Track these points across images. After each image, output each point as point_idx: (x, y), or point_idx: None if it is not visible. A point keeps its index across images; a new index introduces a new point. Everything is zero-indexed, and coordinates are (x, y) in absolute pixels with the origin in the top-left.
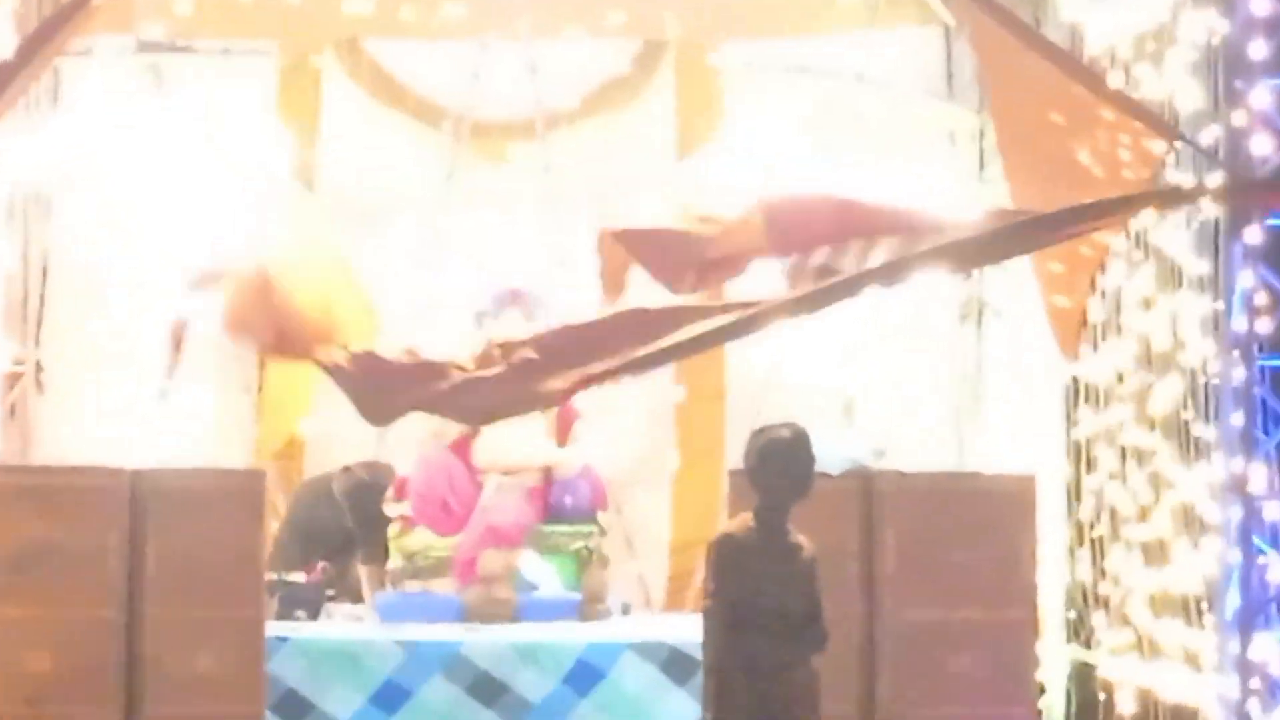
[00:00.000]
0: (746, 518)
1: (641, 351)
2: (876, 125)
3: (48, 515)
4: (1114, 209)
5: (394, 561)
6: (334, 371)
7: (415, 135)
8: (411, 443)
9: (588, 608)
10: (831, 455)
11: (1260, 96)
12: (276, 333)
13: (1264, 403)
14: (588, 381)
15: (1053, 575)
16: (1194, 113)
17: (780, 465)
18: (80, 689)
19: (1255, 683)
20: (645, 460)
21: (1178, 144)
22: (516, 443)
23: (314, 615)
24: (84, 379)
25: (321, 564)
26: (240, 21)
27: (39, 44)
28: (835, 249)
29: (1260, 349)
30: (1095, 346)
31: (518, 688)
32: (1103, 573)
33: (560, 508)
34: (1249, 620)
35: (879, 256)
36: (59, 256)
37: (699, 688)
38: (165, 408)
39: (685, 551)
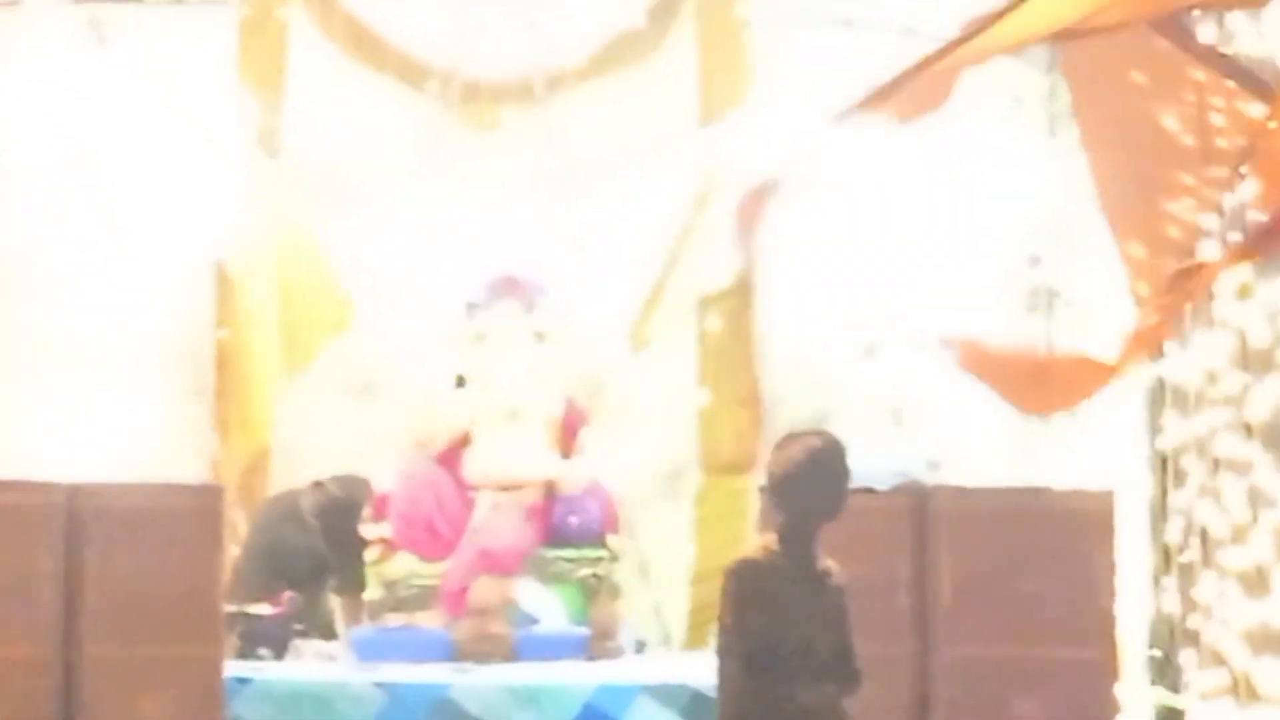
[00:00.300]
0: (769, 541)
1: None
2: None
3: None
4: None
5: (372, 591)
6: None
7: (396, 97)
8: (392, 454)
9: (596, 645)
10: (878, 468)
11: None
12: None
13: None
14: None
15: (1134, 607)
16: None
17: (809, 480)
18: None
19: None
20: (663, 475)
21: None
22: (513, 454)
23: (280, 654)
24: (13, 380)
25: (288, 594)
26: None
27: None
28: None
29: None
30: (1183, 342)
31: None
32: (1193, 604)
33: (564, 529)
34: None
35: None
36: None
37: None
38: (107, 413)
39: (709, 580)
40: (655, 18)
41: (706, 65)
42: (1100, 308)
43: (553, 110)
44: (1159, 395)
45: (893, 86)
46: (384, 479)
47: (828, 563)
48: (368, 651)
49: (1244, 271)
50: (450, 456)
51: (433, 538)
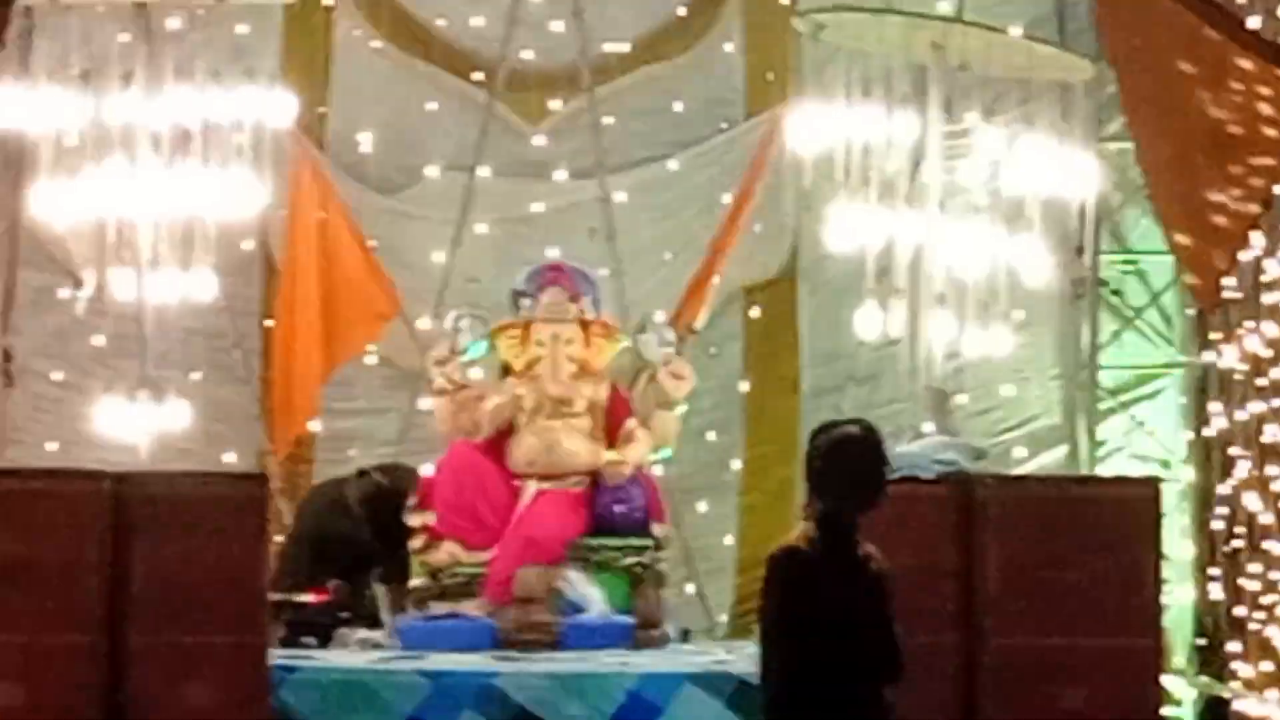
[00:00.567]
0: (808, 529)
1: None
2: (977, 76)
3: (18, 527)
4: None
5: (417, 580)
6: None
7: (441, 87)
8: (437, 442)
9: (641, 633)
10: (923, 457)
11: None
12: None
13: None
14: None
15: (1180, 596)
16: None
17: (848, 469)
18: None
19: None
20: (707, 463)
21: None
22: (558, 442)
23: (325, 642)
24: (61, 369)
25: (333, 582)
26: None
27: None
28: None
29: None
30: (1230, 331)
31: None
32: (1238, 593)
33: (609, 518)
34: None
35: None
36: (29, 223)
37: None
38: (154, 403)
39: (753, 568)
40: (701, 6)
41: (753, 53)
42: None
43: (599, 99)
44: (1204, 385)
45: None
46: (429, 467)
47: (870, 551)
48: (412, 640)
49: None
50: (495, 445)
51: (478, 526)
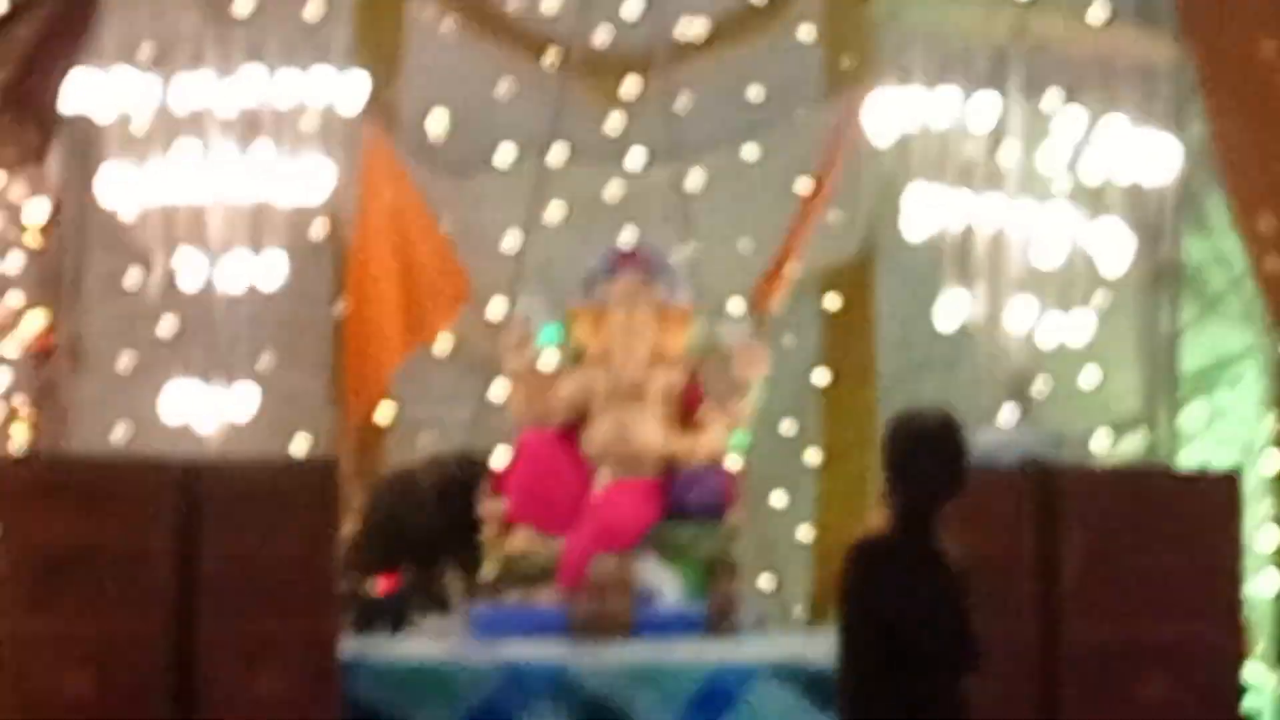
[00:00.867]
0: (887, 521)
1: None
2: (1057, 59)
3: (87, 513)
4: None
5: (489, 568)
6: None
7: (514, 70)
8: (510, 429)
9: (715, 622)
10: (1002, 446)
11: None
12: None
13: None
14: None
15: (1261, 587)
16: None
17: (926, 460)
18: (125, 713)
19: None
20: (783, 452)
21: None
22: (633, 428)
23: (396, 630)
24: (132, 356)
25: (405, 571)
26: None
27: None
28: None
29: None
30: None
31: (634, 715)
32: None
33: (684, 505)
34: None
35: None
36: (98, 208)
37: None
38: (225, 389)
39: (830, 558)
40: None
41: (829, 37)
42: (1230, 283)
43: (674, 82)
44: None
45: None
46: (502, 454)
47: (948, 543)
48: (485, 628)
49: None
50: (569, 431)
51: (551, 513)
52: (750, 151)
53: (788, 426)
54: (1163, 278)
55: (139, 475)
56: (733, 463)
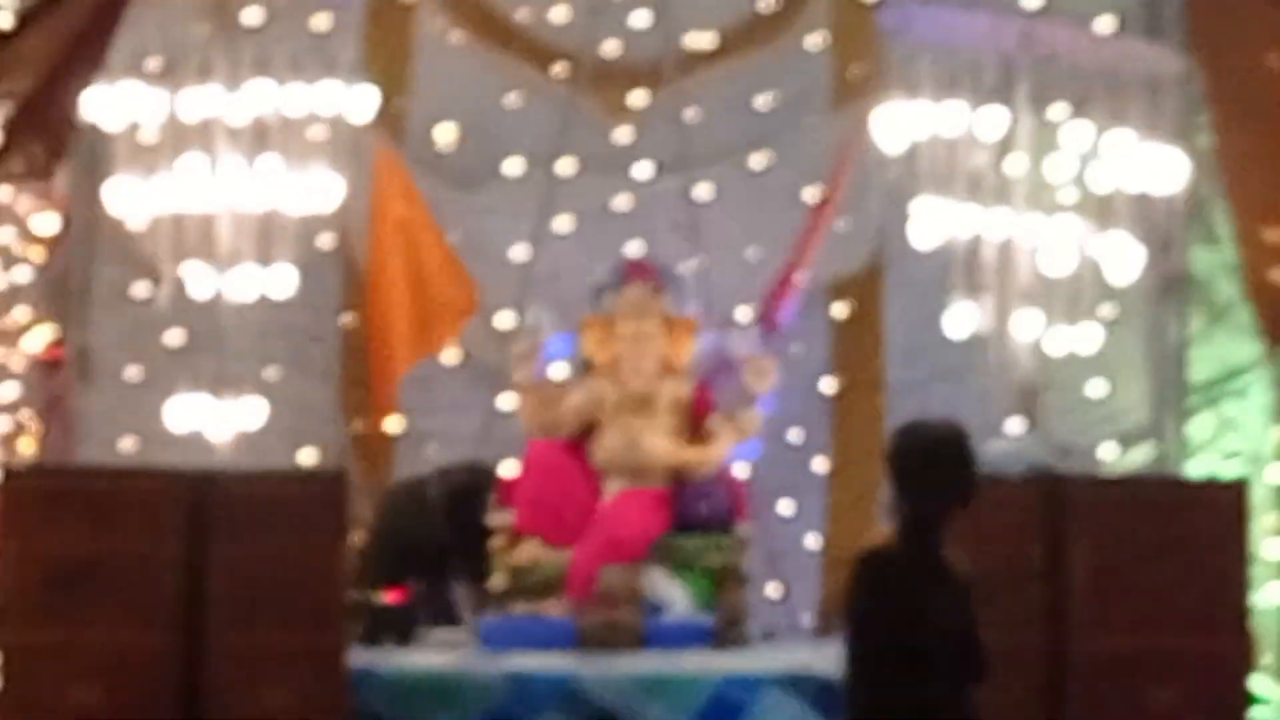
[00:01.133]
0: (893, 532)
1: None
2: (1065, 71)
3: (94, 525)
4: None
5: (497, 579)
6: None
7: (522, 80)
8: (518, 440)
9: (724, 633)
10: (1010, 455)
11: None
12: None
13: None
14: None
15: (1269, 597)
16: None
17: (931, 470)
18: None
19: None
20: (791, 462)
21: None
22: (641, 439)
23: (405, 642)
24: (139, 367)
25: (413, 582)
26: None
27: None
28: None
29: None
30: None
31: None
32: None
33: (693, 516)
34: None
35: None
36: (107, 219)
37: None
38: (232, 400)
39: (839, 569)
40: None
41: (838, 47)
42: (1233, 294)
43: (682, 93)
44: None
45: None
46: (510, 465)
47: (956, 555)
48: (493, 639)
49: None
50: (577, 442)
51: (559, 524)
52: (759, 161)
53: (796, 435)
54: (1170, 289)
55: (147, 486)
56: (741, 472)
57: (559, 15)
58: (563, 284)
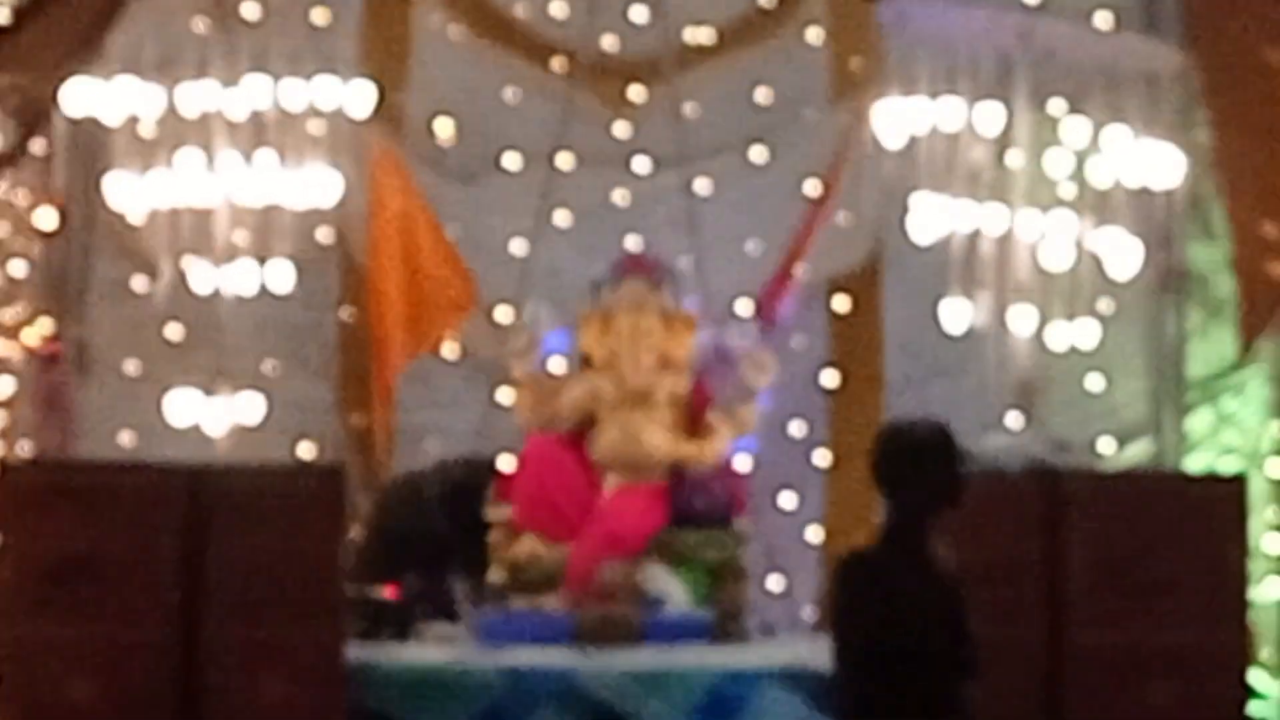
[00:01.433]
0: (879, 532)
1: None
2: (1063, 67)
3: (92, 519)
4: None
5: (495, 574)
6: None
7: (521, 75)
8: (516, 434)
9: (723, 628)
10: (1008, 450)
11: None
12: None
13: None
14: None
15: (1267, 591)
16: None
17: (914, 471)
18: None
19: None
20: (791, 456)
21: None
22: (640, 434)
23: (402, 636)
24: (137, 362)
25: (411, 576)
26: None
27: None
28: None
29: None
30: None
31: None
32: None
33: (691, 511)
34: None
35: None
36: (104, 214)
37: None
38: (230, 395)
39: None
40: None
41: (837, 42)
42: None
43: (681, 87)
44: None
45: None
46: (508, 460)
47: (944, 552)
48: (491, 634)
49: None
50: (576, 437)
51: (557, 519)
52: (758, 155)
53: (796, 428)
54: (1169, 284)
55: (145, 481)
56: (740, 467)
57: (558, 10)
58: (561, 279)
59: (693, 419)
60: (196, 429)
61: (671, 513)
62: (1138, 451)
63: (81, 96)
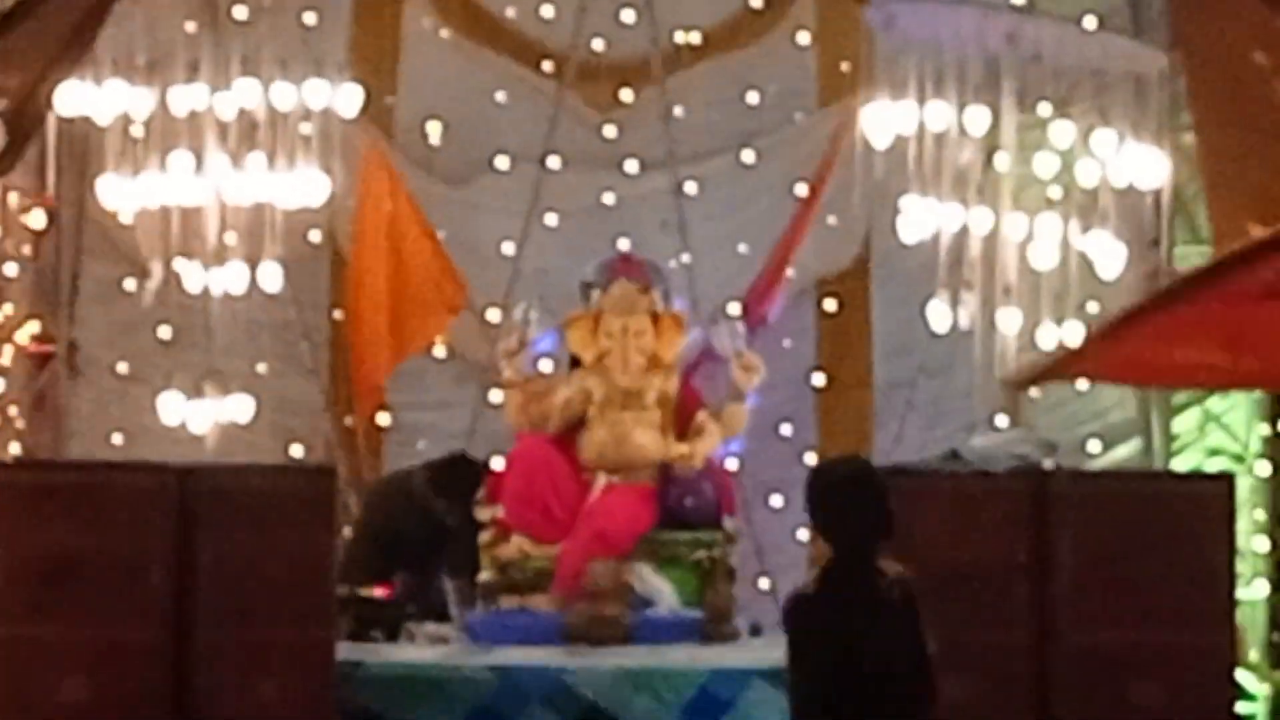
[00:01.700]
0: (820, 571)
1: None
2: (1050, 68)
3: (83, 520)
4: None
5: (486, 573)
6: None
7: (511, 77)
8: (506, 435)
9: (711, 628)
10: (996, 450)
11: None
12: None
13: None
14: None
15: (1254, 592)
16: None
17: (845, 509)
18: None
19: None
20: (780, 457)
21: None
22: (629, 435)
23: (393, 636)
24: (128, 362)
25: (401, 576)
26: None
27: None
28: None
29: None
30: None
31: None
32: None
33: (679, 511)
34: None
35: None
36: (94, 215)
37: None
38: (221, 395)
39: None
40: None
41: (825, 44)
42: None
43: (670, 89)
44: None
45: None
46: (498, 460)
47: (892, 573)
48: (481, 634)
49: None
50: (565, 438)
51: (547, 520)
52: (747, 158)
53: (784, 431)
54: (1155, 285)
55: (135, 481)
56: (729, 468)
57: (547, 12)
58: (551, 280)
59: (682, 419)
60: (187, 429)
61: (661, 513)
62: (1125, 452)
63: (72, 97)
